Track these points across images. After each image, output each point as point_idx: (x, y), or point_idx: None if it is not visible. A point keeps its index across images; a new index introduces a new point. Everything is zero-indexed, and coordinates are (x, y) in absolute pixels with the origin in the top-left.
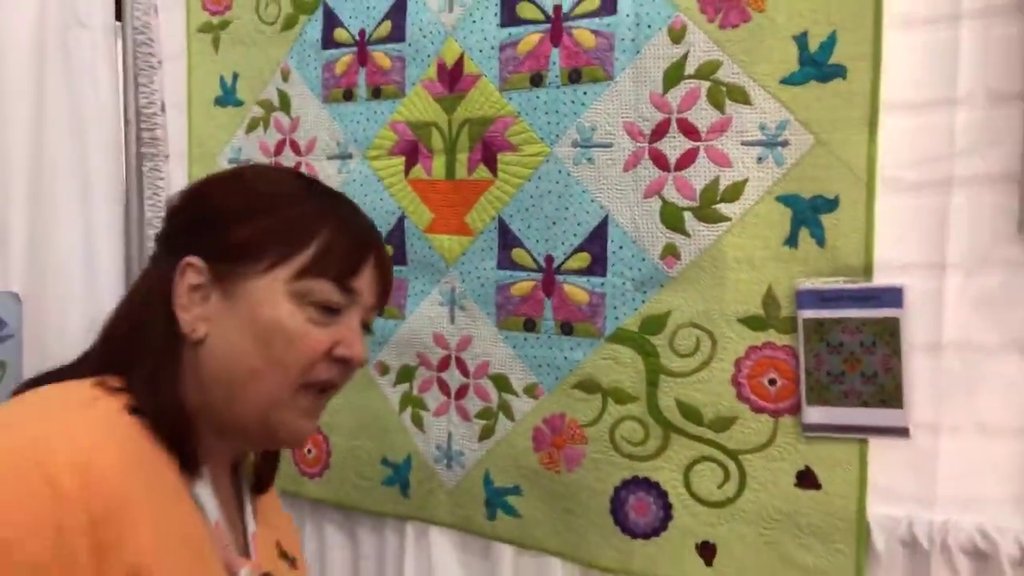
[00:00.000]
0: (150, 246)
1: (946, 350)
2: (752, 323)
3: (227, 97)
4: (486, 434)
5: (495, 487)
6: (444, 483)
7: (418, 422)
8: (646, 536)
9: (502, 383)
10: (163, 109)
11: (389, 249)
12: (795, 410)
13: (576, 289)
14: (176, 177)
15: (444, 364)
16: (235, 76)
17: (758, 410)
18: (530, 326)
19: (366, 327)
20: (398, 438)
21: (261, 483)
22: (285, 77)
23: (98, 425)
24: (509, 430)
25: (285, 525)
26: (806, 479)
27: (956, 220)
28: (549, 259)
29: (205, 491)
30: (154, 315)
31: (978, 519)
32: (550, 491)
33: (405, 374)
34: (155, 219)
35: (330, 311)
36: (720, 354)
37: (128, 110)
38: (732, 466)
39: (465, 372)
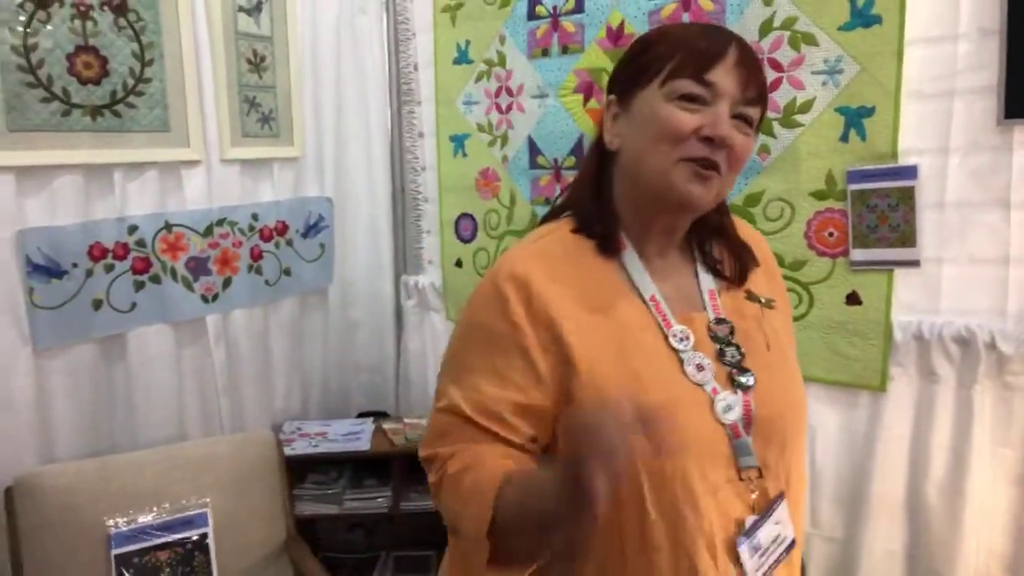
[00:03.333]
0: (409, 158)
1: (948, 207)
2: (818, 195)
3: (461, 57)
4: None
5: None
6: None
7: None
8: None
9: None
10: (416, 68)
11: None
12: (845, 253)
13: None
14: (427, 116)
15: None
16: (467, 43)
17: (821, 254)
18: None
19: (744, 119)
20: None
21: (742, 265)
22: (502, 42)
23: (531, 247)
24: None
25: (760, 278)
26: (852, 298)
27: (956, 118)
28: None
29: (634, 266)
30: (593, 145)
31: (965, 320)
32: None
33: None
34: (412, 145)
35: (695, 100)
36: (796, 218)
37: (392, 69)
38: (804, 293)
39: None
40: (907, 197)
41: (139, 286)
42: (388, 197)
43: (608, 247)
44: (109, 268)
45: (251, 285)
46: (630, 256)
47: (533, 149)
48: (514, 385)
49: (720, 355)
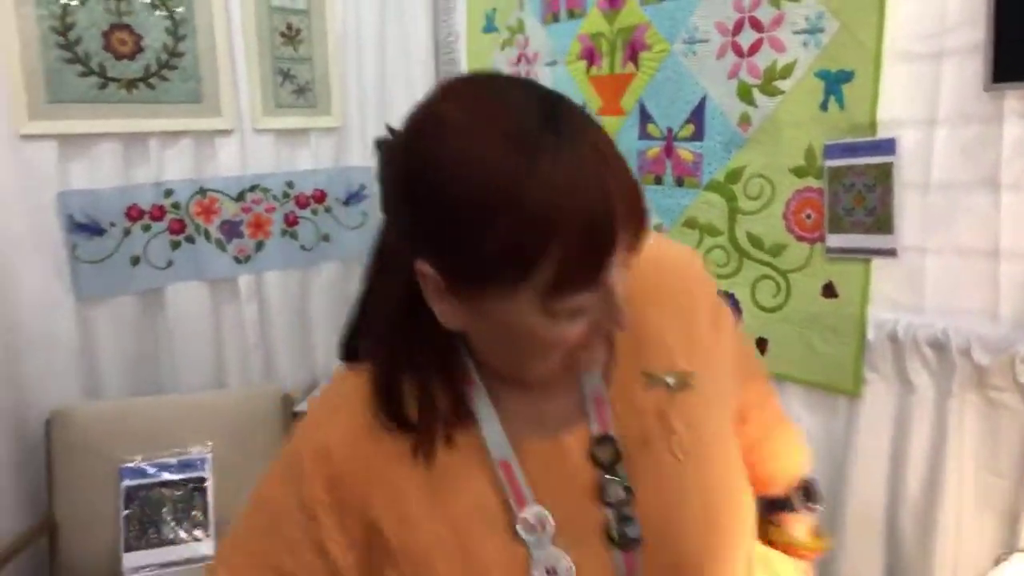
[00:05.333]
0: None
1: (932, 188)
2: (798, 172)
3: (489, 26)
4: None
5: None
6: None
7: None
8: None
9: None
10: (456, 38)
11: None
12: (823, 238)
13: (685, 151)
14: None
15: None
16: (494, 10)
17: (800, 239)
18: (657, 180)
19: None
20: None
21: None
22: (521, 7)
23: (337, 401)
24: None
25: (674, 331)
26: (828, 290)
27: (944, 83)
28: (669, 130)
29: (485, 412)
30: (399, 298)
31: (949, 322)
32: None
33: None
34: None
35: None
36: (776, 197)
37: (436, 39)
38: (782, 282)
39: None
40: (884, 176)
41: (175, 245)
42: None
43: (425, 448)
44: (146, 228)
45: (285, 249)
46: (480, 399)
47: None
48: None
49: (601, 493)
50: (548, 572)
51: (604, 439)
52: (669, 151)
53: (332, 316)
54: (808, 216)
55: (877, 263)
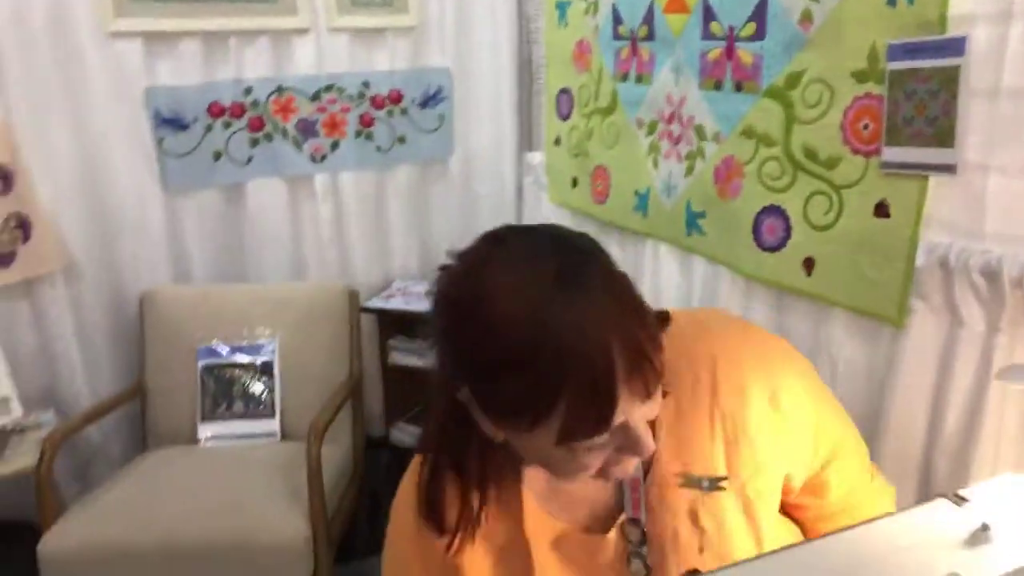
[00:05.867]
0: (532, 28)
1: (1003, 95)
2: (859, 76)
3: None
4: (689, 171)
5: (692, 211)
6: (665, 208)
7: (655, 163)
8: (772, 250)
9: (701, 132)
10: None
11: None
12: (879, 151)
13: (745, 53)
14: None
15: (671, 118)
16: None
17: (855, 151)
18: (717, 86)
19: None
20: (643, 175)
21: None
22: None
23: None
24: (702, 168)
25: (698, 438)
26: (881, 209)
27: None
28: (731, 29)
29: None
30: (446, 410)
31: (1005, 250)
32: (720, 215)
33: (652, 126)
34: (536, 14)
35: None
36: (835, 104)
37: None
38: (835, 197)
39: (682, 123)
40: (950, 81)
41: (254, 142)
42: (513, 69)
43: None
44: (227, 125)
45: (360, 149)
46: (527, 495)
47: (616, 17)
48: None
49: (628, 563)
50: None
51: (634, 521)
52: (730, 52)
53: (408, 219)
54: (866, 126)
55: (934, 181)
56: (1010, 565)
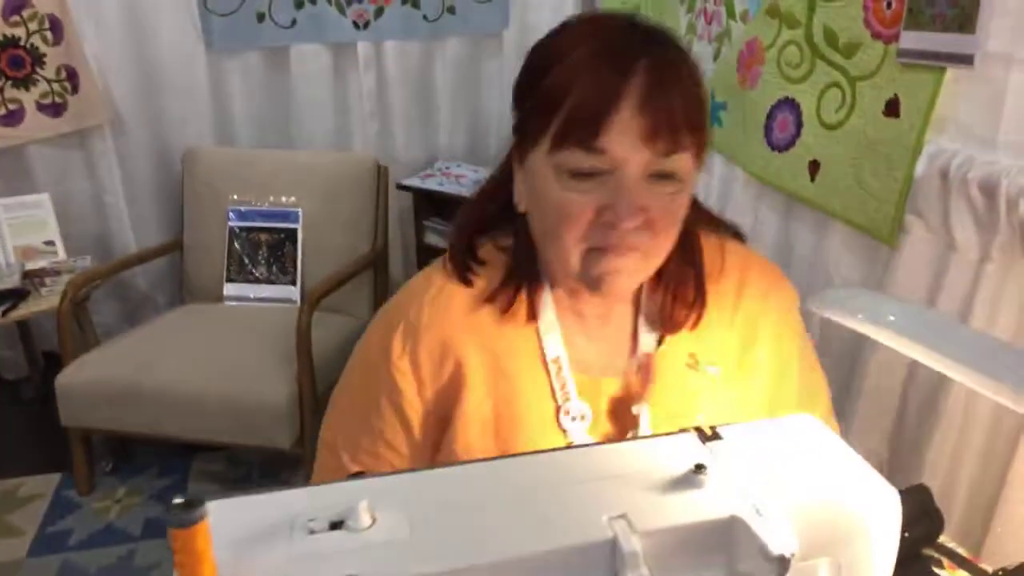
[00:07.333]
0: None
1: None
2: None
3: None
4: (716, 55)
5: (716, 102)
6: None
7: (691, 45)
8: (780, 150)
9: (731, 8)
10: None
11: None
12: (898, 37)
13: None
14: None
15: None
16: None
17: (875, 35)
18: None
19: (665, 176)
20: None
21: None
22: None
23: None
24: (728, 52)
25: (718, 336)
26: (892, 107)
27: None
28: None
29: (547, 322)
30: (498, 181)
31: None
32: (739, 106)
33: (691, 3)
34: None
35: (588, 176)
36: None
37: None
38: (849, 91)
39: (715, 0)
40: None
41: (298, 5)
42: None
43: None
44: None
45: (405, 17)
46: (545, 311)
47: None
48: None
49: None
50: None
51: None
52: None
53: (456, 97)
54: (889, 5)
55: (951, 76)
56: (681, 519)
